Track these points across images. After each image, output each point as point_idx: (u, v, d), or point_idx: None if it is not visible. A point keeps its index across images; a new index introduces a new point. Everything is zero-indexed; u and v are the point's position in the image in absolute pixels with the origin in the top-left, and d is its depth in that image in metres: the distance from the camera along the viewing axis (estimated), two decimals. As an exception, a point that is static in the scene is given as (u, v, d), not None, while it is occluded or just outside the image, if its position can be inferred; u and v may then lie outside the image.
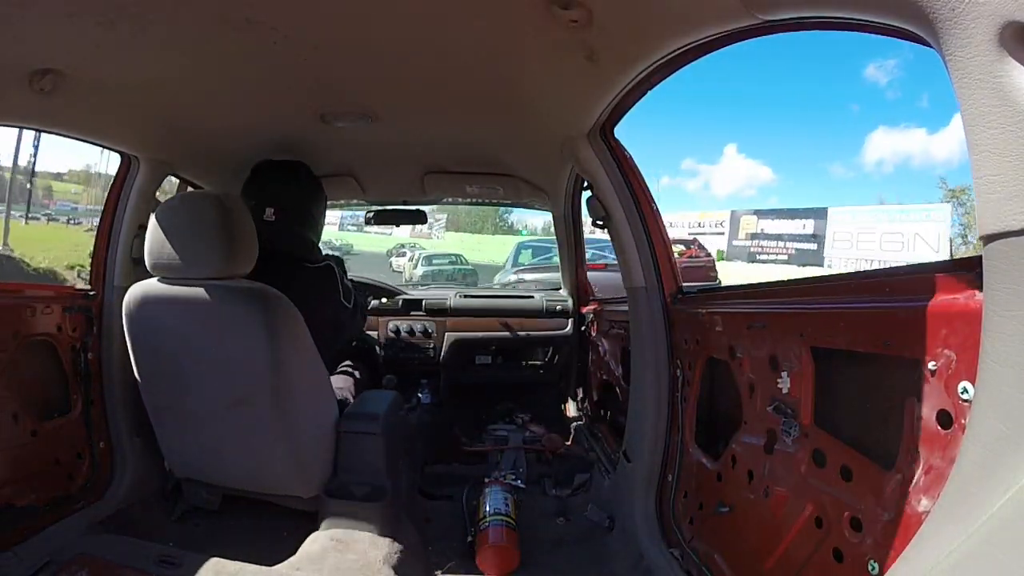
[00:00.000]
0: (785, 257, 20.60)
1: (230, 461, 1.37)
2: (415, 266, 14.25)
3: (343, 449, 1.41)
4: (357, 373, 1.76)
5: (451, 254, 17.05)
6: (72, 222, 23.32)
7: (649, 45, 0.99)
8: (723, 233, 23.09)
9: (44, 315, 1.40)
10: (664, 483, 1.36)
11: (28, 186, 18.38)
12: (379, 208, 2.54)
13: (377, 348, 2.49)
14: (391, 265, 18.55)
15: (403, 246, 21.11)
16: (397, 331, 2.55)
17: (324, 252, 1.63)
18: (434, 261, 14.52)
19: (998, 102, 0.44)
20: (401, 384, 1.96)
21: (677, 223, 24.27)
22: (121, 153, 1.56)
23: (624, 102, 1.26)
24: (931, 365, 0.61)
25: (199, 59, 1.13)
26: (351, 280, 1.70)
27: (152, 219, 1.25)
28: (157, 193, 1.65)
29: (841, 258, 18.77)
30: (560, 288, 2.81)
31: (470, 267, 14.17)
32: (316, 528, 1.35)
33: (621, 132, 1.41)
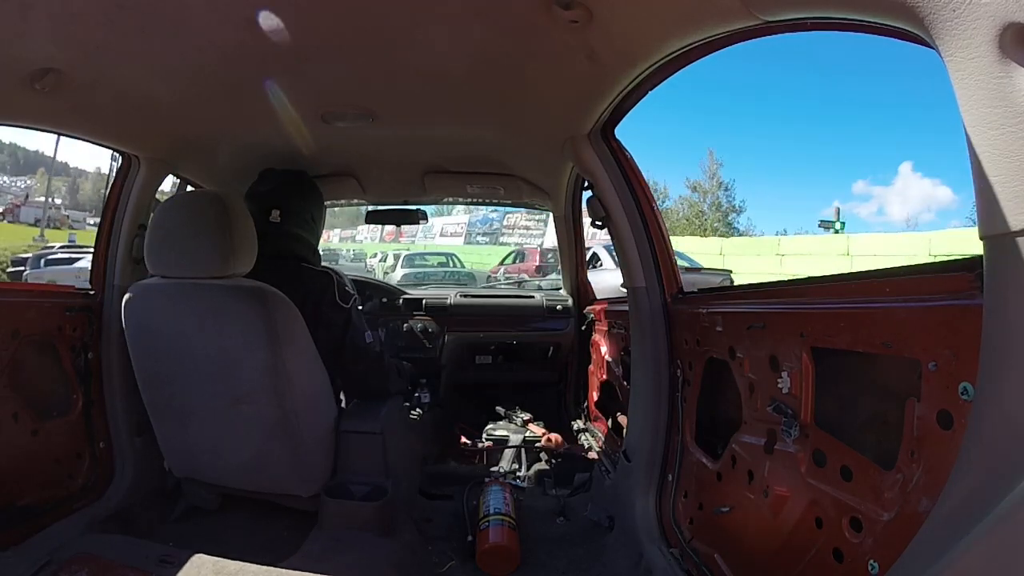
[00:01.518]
0: None
1: (230, 461, 1.37)
2: (394, 268, 11.73)
3: (343, 449, 1.41)
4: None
5: (441, 253, 14.60)
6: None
7: (649, 45, 0.99)
8: None
9: (44, 315, 1.40)
10: (664, 483, 1.36)
11: (104, 192, 18.91)
12: (379, 208, 2.54)
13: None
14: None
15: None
16: (397, 331, 2.55)
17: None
18: (416, 262, 12.01)
19: (998, 103, 0.44)
20: None
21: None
22: (121, 153, 1.56)
23: (625, 102, 1.26)
24: (931, 365, 0.61)
25: (200, 59, 1.13)
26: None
27: (152, 218, 1.25)
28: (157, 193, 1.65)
29: None
30: (560, 288, 2.81)
31: (465, 270, 11.90)
32: (316, 528, 1.35)
33: (623, 132, 1.41)
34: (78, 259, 11.39)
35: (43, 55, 1.07)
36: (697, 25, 0.89)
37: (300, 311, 1.27)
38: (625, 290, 1.51)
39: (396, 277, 9.57)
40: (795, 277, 0.99)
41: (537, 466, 2.11)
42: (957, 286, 0.59)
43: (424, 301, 2.59)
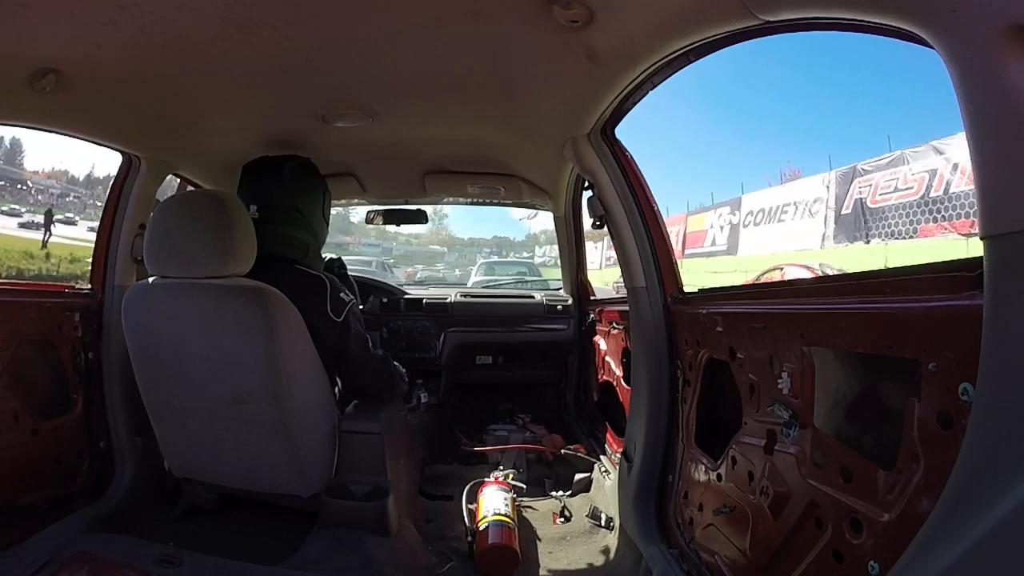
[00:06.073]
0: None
1: (230, 461, 1.37)
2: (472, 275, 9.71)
3: (343, 449, 1.41)
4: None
5: (519, 262, 13.16)
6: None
7: (650, 45, 0.99)
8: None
9: (44, 315, 1.40)
10: (664, 483, 1.36)
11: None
12: (380, 208, 2.54)
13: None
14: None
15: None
16: (397, 331, 2.55)
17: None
18: (497, 270, 10.28)
19: (998, 103, 0.44)
20: None
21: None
22: (122, 152, 1.56)
23: (625, 102, 1.26)
24: (931, 366, 0.61)
25: (200, 59, 1.13)
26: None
27: (150, 218, 1.25)
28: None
29: None
30: (560, 288, 2.81)
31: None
32: (316, 528, 1.35)
33: (623, 132, 1.41)
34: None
35: (43, 55, 1.07)
36: (698, 25, 0.89)
37: None
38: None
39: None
40: (796, 279, 0.99)
41: (537, 466, 2.11)
42: (957, 286, 0.59)
43: (424, 301, 2.59)
